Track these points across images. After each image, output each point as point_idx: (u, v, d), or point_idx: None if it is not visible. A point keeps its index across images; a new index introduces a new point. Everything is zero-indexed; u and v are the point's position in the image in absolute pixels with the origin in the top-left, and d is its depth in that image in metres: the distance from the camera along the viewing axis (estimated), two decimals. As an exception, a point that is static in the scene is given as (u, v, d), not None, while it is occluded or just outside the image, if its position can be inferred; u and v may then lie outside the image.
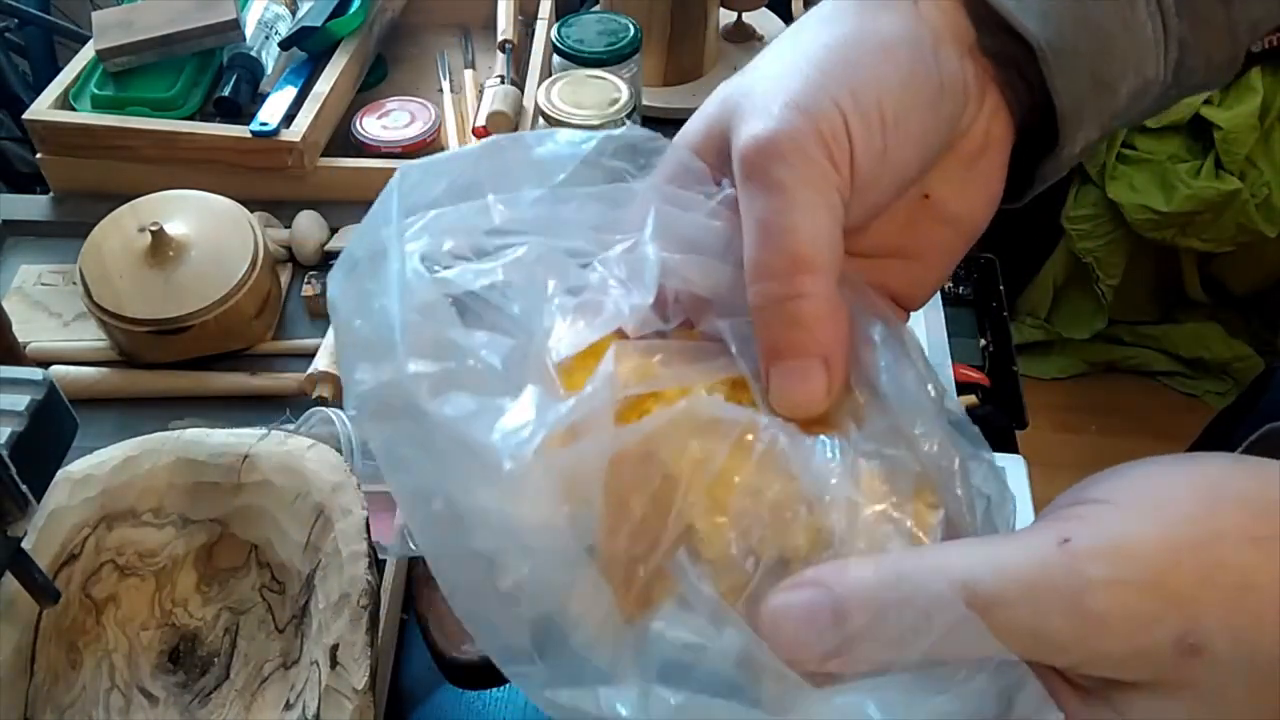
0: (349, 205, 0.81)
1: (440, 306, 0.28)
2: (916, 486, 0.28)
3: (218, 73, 0.87)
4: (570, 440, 0.26)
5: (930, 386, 0.30)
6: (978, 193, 0.35)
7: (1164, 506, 0.25)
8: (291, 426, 0.56)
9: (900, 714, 0.25)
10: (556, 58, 0.85)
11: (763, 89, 0.31)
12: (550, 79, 0.79)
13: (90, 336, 0.73)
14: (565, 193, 0.32)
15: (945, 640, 0.24)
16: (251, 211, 0.75)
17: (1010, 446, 0.88)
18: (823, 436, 0.29)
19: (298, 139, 0.80)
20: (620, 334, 0.30)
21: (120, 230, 0.71)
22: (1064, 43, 0.32)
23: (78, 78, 0.85)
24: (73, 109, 0.83)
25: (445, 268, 0.30)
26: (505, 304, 0.30)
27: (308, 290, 0.75)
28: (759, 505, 0.27)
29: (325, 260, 0.78)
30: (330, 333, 0.70)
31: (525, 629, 0.26)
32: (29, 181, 1.43)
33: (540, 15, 0.97)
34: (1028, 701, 0.24)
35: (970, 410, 0.82)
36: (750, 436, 0.28)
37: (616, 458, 0.27)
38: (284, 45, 0.89)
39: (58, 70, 0.86)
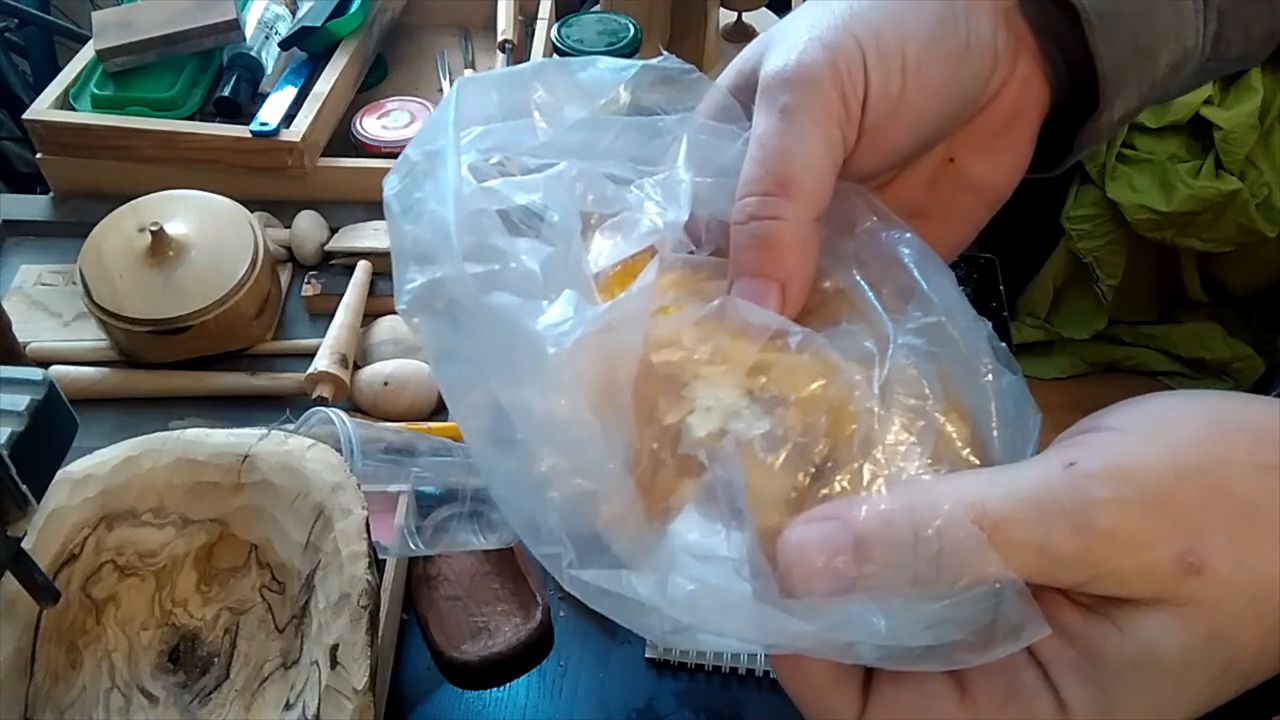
0: (349, 205, 0.81)
1: (486, 215, 0.30)
2: (949, 390, 0.29)
3: (218, 73, 0.87)
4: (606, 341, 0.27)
5: (962, 294, 0.31)
6: (1003, 161, 0.36)
7: (1170, 433, 0.26)
8: (291, 426, 0.56)
9: (901, 620, 0.25)
10: (556, 58, 0.85)
11: (794, 27, 0.32)
12: (550, 79, 0.79)
13: (90, 336, 0.73)
14: (604, 120, 0.33)
15: (950, 557, 0.24)
16: (251, 211, 0.75)
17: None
18: (865, 341, 0.29)
19: (298, 139, 0.80)
20: (653, 252, 0.31)
21: (120, 230, 0.71)
22: (1107, 6, 0.32)
23: (78, 78, 0.85)
24: (73, 109, 0.83)
25: (490, 180, 0.31)
26: (545, 214, 0.31)
27: (308, 290, 0.75)
28: (794, 400, 0.28)
29: (325, 260, 0.78)
30: (330, 331, 0.70)
31: (556, 512, 0.27)
32: (29, 181, 1.43)
33: (540, 15, 0.97)
34: (1015, 613, 0.25)
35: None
36: (783, 338, 0.29)
37: (647, 363, 0.28)
38: (284, 45, 0.89)
39: (58, 70, 0.86)
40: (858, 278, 0.32)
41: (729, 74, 0.35)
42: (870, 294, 0.31)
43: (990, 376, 0.29)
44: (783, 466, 0.27)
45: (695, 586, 0.26)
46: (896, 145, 0.32)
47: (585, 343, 0.27)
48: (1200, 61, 0.35)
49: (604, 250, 0.31)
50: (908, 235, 0.32)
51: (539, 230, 0.31)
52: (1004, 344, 0.31)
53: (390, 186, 0.31)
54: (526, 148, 0.33)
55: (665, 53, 0.35)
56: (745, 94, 0.33)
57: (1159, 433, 0.26)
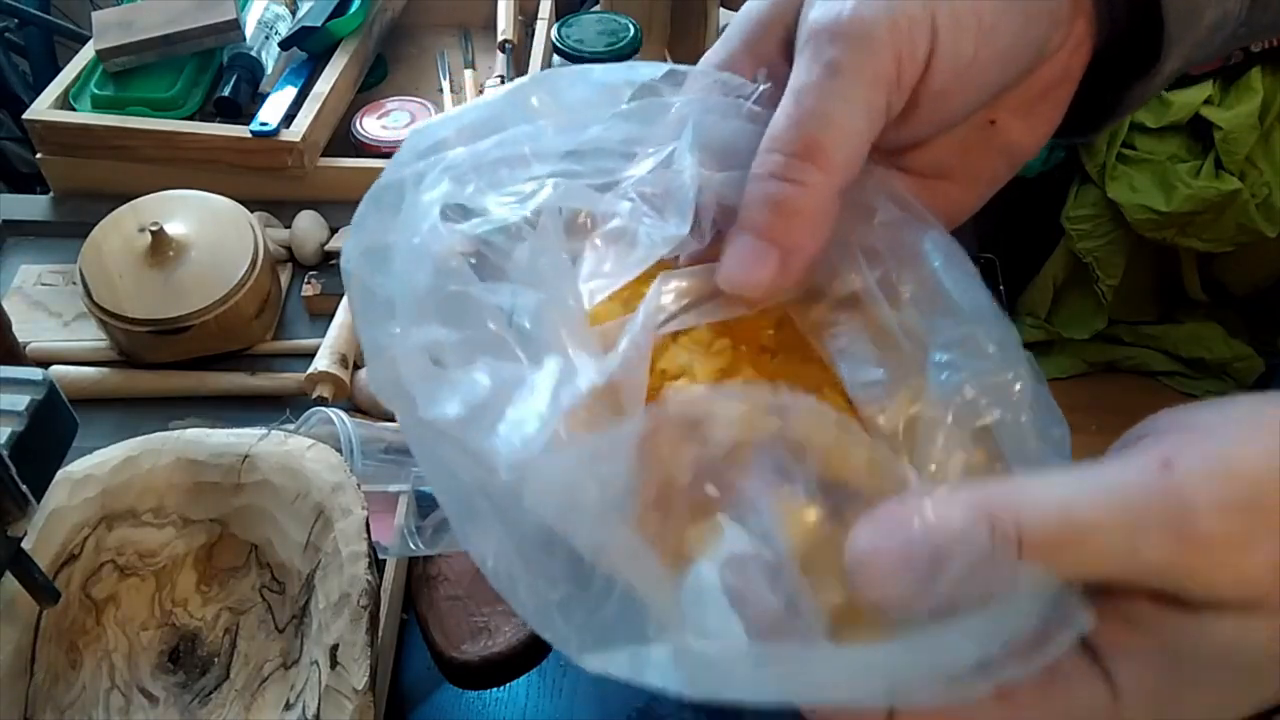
0: (349, 205, 0.80)
1: (459, 266, 0.27)
2: (976, 411, 0.28)
3: (218, 73, 0.87)
4: (605, 400, 0.25)
5: (993, 299, 0.29)
6: (1040, 124, 0.35)
7: (1270, 430, 0.24)
8: (291, 426, 0.56)
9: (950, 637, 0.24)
10: (556, 58, 0.85)
11: None
12: (550, 79, 0.79)
13: (90, 336, 0.73)
14: (594, 114, 0.30)
15: (1029, 566, 0.23)
16: (251, 211, 0.75)
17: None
18: (878, 368, 0.28)
19: (298, 139, 0.80)
20: (660, 265, 0.29)
21: (120, 230, 0.71)
22: None
23: (78, 78, 0.85)
24: (73, 109, 0.83)
25: (467, 214, 0.28)
26: (533, 254, 0.28)
27: (308, 290, 0.75)
28: (816, 448, 0.26)
29: (325, 260, 0.78)
30: (330, 331, 0.70)
31: (556, 588, 0.25)
32: (29, 181, 1.43)
33: (540, 15, 0.97)
34: (1066, 606, 0.23)
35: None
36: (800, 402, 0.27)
37: (656, 400, 0.26)
38: (284, 45, 0.89)
39: (58, 70, 0.86)
40: (873, 284, 0.29)
41: (756, 10, 0.32)
42: (889, 311, 0.29)
43: (1023, 389, 0.28)
44: (818, 522, 0.26)
45: (714, 652, 0.24)
46: (955, 111, 0.31)
47: (569, 429, 0.24)
48: (1233, 27, 0.34)
49: (600, 274, 0.28)
50: (934, 232, 0.30)
51: (523, 269, 0.28)
52: (1028, 352, 0.29)
53: (347, 251, 0.28)
54: (506, 164, 0.29)
55: (670, 63, 0.32)
56: (774, 39, 0.31)
57: (1258, 430, 0.24)
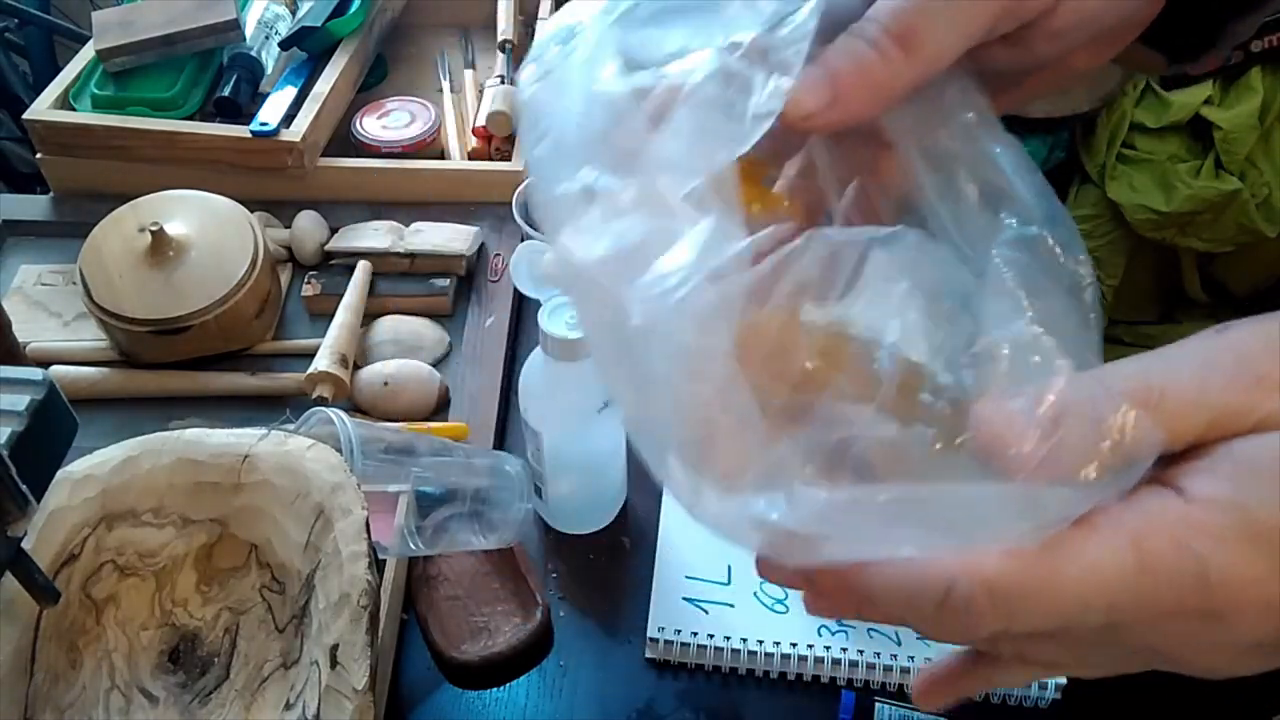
0: (349, 205, 0.81)
1: (634, 117, 0.28)
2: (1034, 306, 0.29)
3: (218, 73, 0.87)
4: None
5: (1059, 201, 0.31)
6: (1102, 56, 0.36)
7: None
8: (291, 426, 0.56)
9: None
10: None
11: None
12: (550, 79, 0.79)
13: (90, 336, 0.73)
14: None
15: (1129, 441, 0.25)
16: (251, 211, 0.75)
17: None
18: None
19: (298, 139, 0.80)
20: (763, 167, 0.30)
21: (120, 230, 0.71)
22: None
23: (78, 78, 0.85)
24: (73, 109, 0.83)
25: (639, 65, 0.29)
26: (695, 116, 0.29)
27: (308, 290, 0.75)
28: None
29: (325, 260, 0.78)
30: (330, 331, 0.70)
31: (672, 444, 0.26)
32: (29, 181, 1.43)
33: (540, 15, 0.97)
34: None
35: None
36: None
37: (779, 319, 0.27)
38: (284, 45, 0.89)
39: (58, 70, 0.86)
40: (933, 194, 0.31)
41: None
42: (947, 219, 0.30)
43: (1090, 290, 0.30)
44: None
45: (827, 496, 0.25)
46: (1062, 51, 0.33)
47: (693, 301, 0.25)
48: None
49: (709, 134, 0.29)
50: (1007, 136, 0.32)
51: (682, 123, 0.29)
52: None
53: (524, 85, 0.29)
54: (677, 12, 0.30)
55: None
56: None
57: None
